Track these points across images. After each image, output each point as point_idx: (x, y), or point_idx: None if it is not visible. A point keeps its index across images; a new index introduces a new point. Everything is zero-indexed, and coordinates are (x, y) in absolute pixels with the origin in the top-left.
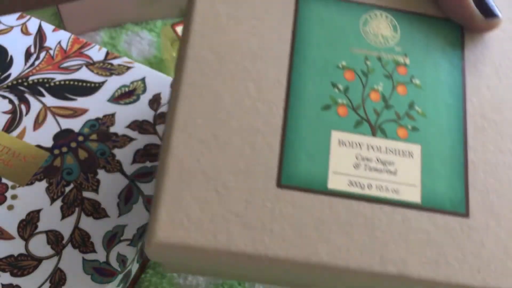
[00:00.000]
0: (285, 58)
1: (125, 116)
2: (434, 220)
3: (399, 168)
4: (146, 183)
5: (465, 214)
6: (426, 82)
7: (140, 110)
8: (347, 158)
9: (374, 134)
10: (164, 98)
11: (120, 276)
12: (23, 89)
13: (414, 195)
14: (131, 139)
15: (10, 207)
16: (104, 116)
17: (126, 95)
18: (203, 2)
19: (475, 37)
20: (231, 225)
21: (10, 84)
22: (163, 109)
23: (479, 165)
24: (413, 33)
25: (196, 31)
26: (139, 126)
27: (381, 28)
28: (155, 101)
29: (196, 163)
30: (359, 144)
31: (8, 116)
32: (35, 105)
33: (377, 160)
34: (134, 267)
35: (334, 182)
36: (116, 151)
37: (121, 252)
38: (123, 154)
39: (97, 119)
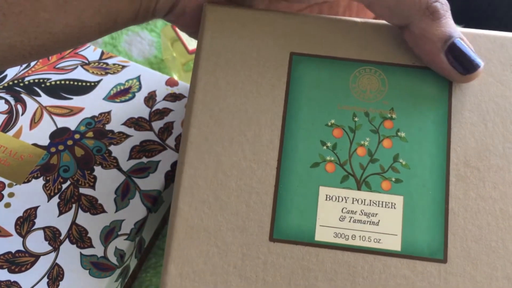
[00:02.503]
0: (278, 120)
1: (121, 113)
2: (413, 266)
3: (382, 219)
4: (143, 178)
5: (443, 260)
6: (411, 135)
7: (136, 107)
8: (333, 212)
9: (359, 188)
10: (159, 95)
11: (118, 271)
12: (19, 89)
13: (394, 244)
14: (127, 136)
15: (7, 205)
16: (100, 114)
17: (121, 93)
18: (205, 71)
19: (463, 85)
20: (229, 276)
21: (6, 85)
22: (158, 106)
23: (460, 212)
24: (401, 86)
25: (199, 99)
26: (135, 123)
27: (369, 83)
28: (150, 99)
29: (200, 222)
30: (345, 198)
31: (4, 116)
32: (31, 105)
33: (361, 212)
34: (133, 263)
35: (321, 235)
36: (112, 147)
37: (119, 247)
38: (120, 151)
39: (93, 117)
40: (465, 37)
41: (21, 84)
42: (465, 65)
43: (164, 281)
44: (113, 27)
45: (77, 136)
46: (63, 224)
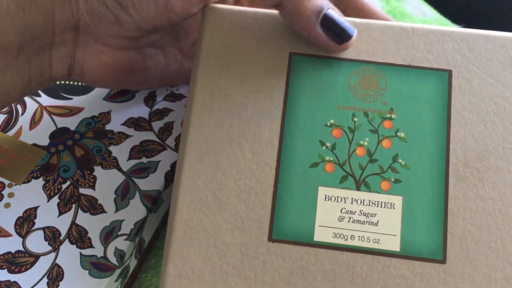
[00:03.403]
0: (278, 120)
1: (120, 113)
2: (412, 267)
3: (381, 219)
4: (142, 179)
5: (442, 260)
6: (410, 135)
7: (136, 107)
8: (332, 212)
9: (358, 188)
10: (159, 95)
11: (118, 271)
12: None
13: (394, 244)
14: (127, 136)
15: (7, 205)
16: (100, 114)
17: (121, 93)
18: (204, 72)
19: (463, 86)
20: (228, 276)
21: None
22: (158, 106)
23: (459, 213)
24: (400, 86)
25: (198, 100)
26: (134, 123)
27: (369, 84)
28: (150, 98)
29: (199, 222)
30: (344, 199)
31: (4, 116)
32: (31, 105)
33: (361, 212)
34: (133, 263)
35: (320, 235)
36: (112, 148)
37: (119, 247)
38: (119, 151)
39: (93, 117)
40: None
41: None
42: (339, 35)
43: (163, 281)
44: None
45: (77, 136)
46: (63, 224)
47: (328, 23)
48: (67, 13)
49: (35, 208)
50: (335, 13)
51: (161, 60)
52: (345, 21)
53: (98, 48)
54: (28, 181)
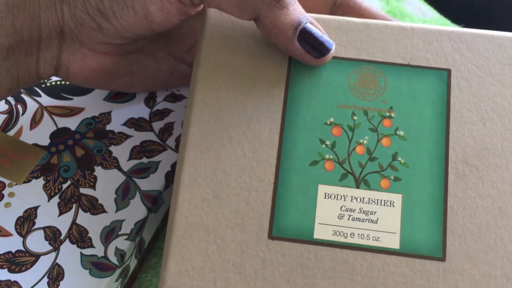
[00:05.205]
0: (278, 119)
1: (121, 114)
2: (411, 264)
3: (381, 217)
4: (143, 179)
5: (442, 258)
6: (410, 133)
7: (136, 108)
8: (332, 210)
9: (358, 186)
10: (159, 96)
11: (118, 271)
12: None
13: (393, 242)
14: (127, 136)
15: (8, 205)
16: (100, 114)
17: (122, 94)
18: (205, 70)
19: (462, 84)
20: (228, 274)
21: None
22: (158, 106)
23: (458, 211)
24: (400, 85)
25: (199, 98)
26: (135, 123)
27: (368, 82)
28: (150, 99)
29: (199, 219)
30: (344, 196)
31: (4, 116)
32: (32, 105)
33: (360, 210)
34: (133, 263)
35: (320, 232)
36: (112, 148)
37: (119, 247)
38: (120, 151)
39: (93, 117)
40: (316, 21)
41: None
42: (318, 49)
43: (163, 277)
44: None
45: (77, 136)
46: (63, 224)
47: (306, 37)
48: (52, 18)
49: (36, 208)
50: (313, 27)
51: (151, 66)
52: (324, 35)
53: (83, 53)
54: (29, 181)
